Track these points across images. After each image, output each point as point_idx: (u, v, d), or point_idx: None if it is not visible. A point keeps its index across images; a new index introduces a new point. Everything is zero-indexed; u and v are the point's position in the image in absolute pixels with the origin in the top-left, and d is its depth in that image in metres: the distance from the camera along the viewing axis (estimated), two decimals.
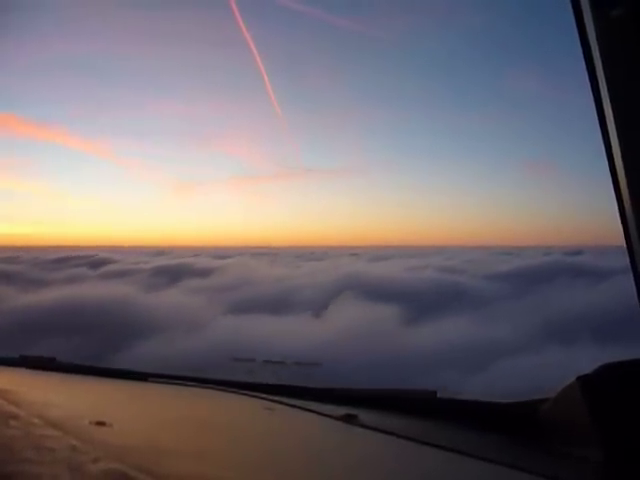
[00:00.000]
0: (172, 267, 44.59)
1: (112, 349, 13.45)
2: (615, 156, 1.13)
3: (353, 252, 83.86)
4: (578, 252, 59.96)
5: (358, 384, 1.94)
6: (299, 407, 1.61)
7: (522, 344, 17.28)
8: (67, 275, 38.92)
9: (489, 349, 16.78)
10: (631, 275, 1.25)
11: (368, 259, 61.15)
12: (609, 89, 1.07)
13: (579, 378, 1.27)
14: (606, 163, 1.16)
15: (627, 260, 1.22)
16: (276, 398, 1.69)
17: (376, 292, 26.61)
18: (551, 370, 11.65)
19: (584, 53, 1.12)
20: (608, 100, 1.08)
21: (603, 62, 1.07)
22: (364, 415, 1.50)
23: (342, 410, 1.53)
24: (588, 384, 1.26)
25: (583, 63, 1.12)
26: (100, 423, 1.00)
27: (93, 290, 29.39)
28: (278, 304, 25.20)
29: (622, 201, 1.15)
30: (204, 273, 39.29)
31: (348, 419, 1.47)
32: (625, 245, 1.20)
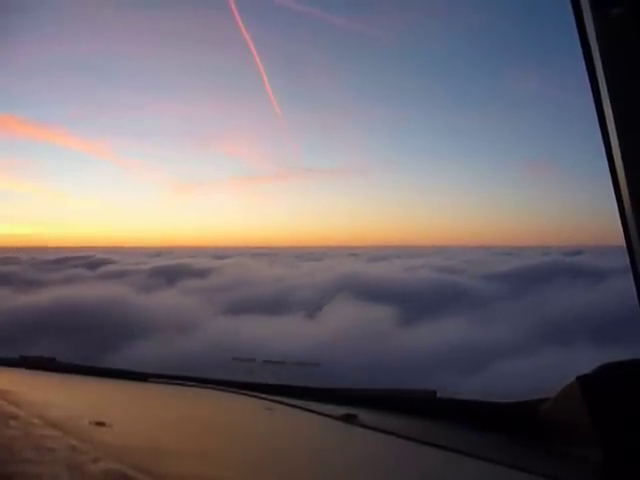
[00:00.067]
0: (170, 268, 44.57)
1: (105, 350, 13.38)
2: (615, 156, 1.13)
3: (353, 252, 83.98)
4: (578, 252, 60.04)
5: (355, 385, 1.94)
6: (299, 407, 1.61)
7: (518, 345, 17.26)
8: (64, 276, 38.90)
9: (485, 350, 16.75)
10: (631, 275, 1.25)
11: (367, 259, 61.23)
12: (609, 89, 1.07)
13: (579, 378, 1.27)
14: (606, 163, 1.16)
15: (627, 260, 1.22)
16: (276, 398, 1.69)
17: (374, 292, 26.64)
18: (548, 372, 11.65)
19: (584, 53, 1.11)
20: (608, 100, 1.08)
21: (603, 62, 1.07)
22: (364, 415, 1.50)
23: (342, 410, 1.52)
24: (588, 384, 1.26)
25: (583, 63, 1.12)
26: (100, 423, 1.00)
27: (89, 291, 29.40)
28: (275, 304, 25.21)
29: (622, 201, 1.15)
30: (202, 273, 39.29)
31: (348, 419, 1.47)
32: (625, 245, 1.20)
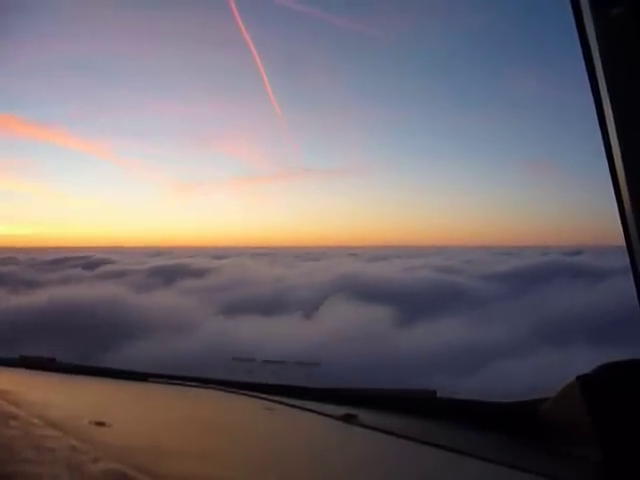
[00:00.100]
0: (168, 268, 44.50)
1: (98, 350, 13.34)
2: (615, 156, 1.13)
3: (352, 252, 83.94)
4: (577, 252, 60.01)
5: (354, 385, 1.94)
6: (299, 407, 1.61)
7: (515, 346, 17.22)
8: (62, 276, 38.88)
9: (482, 351, 16.71)
10: (631, 275, 1.25)
11: (366, 259, 61.18)
12: (609, 89, 1.07)
13: (578, 378, 1.27)
14: (606, 163, 1.16)
15: (627, 260, 1.22)
16: (276, 398, 1.69)
17: (372, 293, 26.60)
18: (546, 373, 11.62)
19: (584, 53, 1.11)
20: (608, 100, 1.08)
21: (603, 62, 1.07)
22: (364, 415, 1.50)
23: (342, 410, 1.52)
24: (587, 384, 1.26)
25: (583, 63, 1.12)
26: (100, 423, 1.00)
27: (85, 291, 29.37)
28: (271, 305, 25.16)
29: (622, 201, 1.15)
30: (199, 274, 39.25)
31: (348, 419, 1.47)
32: (625, 245, 1.20)
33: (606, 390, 1.24)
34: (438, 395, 1.69)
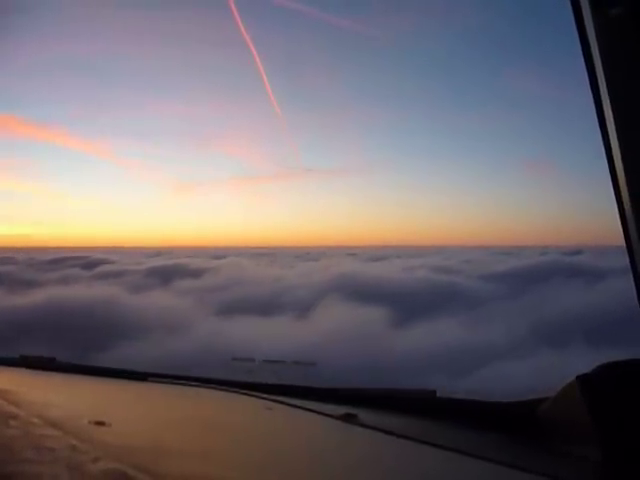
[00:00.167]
0: (166, 268, 44.41)
1: (94, 350, 13.30)
2: (615, 156, 1.13)
3: (352, 252, 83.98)
4: (577, 252, 60.02)
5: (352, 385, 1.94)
6: (299, 407, 1.61)
7: (513, 347, 17.19)
8: (59, 276, 38.83)
9: (479, 352, 16.65)
10: (631, 275, 1.25)
11: (366, 259, 61.19)
12: (609, 88, 1.07)
13: (578, 377, 1.27)
14: (606, 163, 1.16)
15: (627, 260, 1.22)
16: (276, 398, 1.69)
17: (370, 293, 26.56)
18: (545, 374, 11.60)
19: (583, 52, 1.11)
20: (608, 99, 1.08)
21: (603, 61, 1.07)
22: (364, 415, 1.50)
23: (342, 410, 1.53)
24: (587, 383, 1.26)
25: (582, 62, 1.12)
26: (99, 423, 1.00)
27: (82, 291, 29.37)
28: (269, 305, 25.07)
29: (622, 201, 1.15)
30: (197, 274, 39.19)
31: (348, 419, 1.47)
32: (625, 245, 1.20)
33: (606, 390, 1.24)
34: (438, 395, 1.69)
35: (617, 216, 1.18)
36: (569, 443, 1.29)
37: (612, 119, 1.09)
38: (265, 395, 1.72)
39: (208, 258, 58.63)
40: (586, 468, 1.22)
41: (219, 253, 72.18)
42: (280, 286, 33.32)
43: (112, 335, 16.88)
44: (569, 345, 15.89)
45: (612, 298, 19.75)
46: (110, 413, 1.15)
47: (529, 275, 35.16)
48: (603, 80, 1.08)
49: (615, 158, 1.13)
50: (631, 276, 1.25)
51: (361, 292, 26.43)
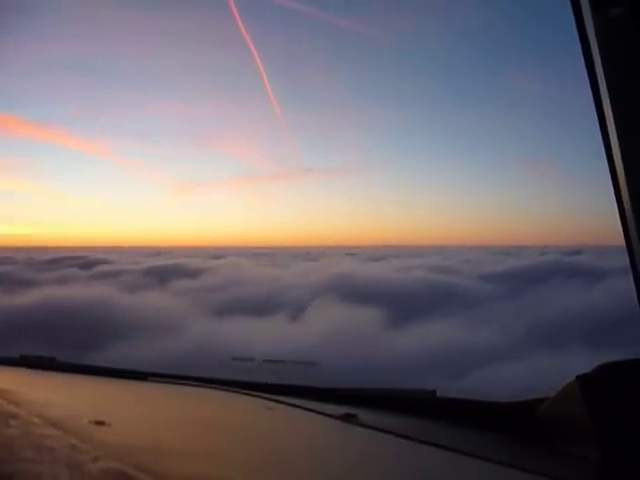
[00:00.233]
0: (164, 268, 44.42)
1: (88, 350, 13.27)
2: (615, 156, 1.13)
3: (351, 252, 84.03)
4: (577, 252, 60.05)
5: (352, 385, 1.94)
6: (299, 407, 1.61)
7: (512, 348, 17.17)
8: (57, 276, 38.82)
9: (476, 353, 16.63)
10: (631, 275, 1.25)
11: (365, 259, 61.20)
12: (609, 88, 1.07)
13: (578, 377, 1.27)
14: (606, 163, 1.16)
15: (627, 260, 1.22)
16: (276, 398, 1.69)
17: (369, 293, 26.55)
18: (542, 376, 11.57)
19: (583, 52, 1.12)
20: (608, 99, 1.08)
21: (603, 61, 1.07)
22: (364, 414, 1.50)
23: (342, 410, 1.53)
24: (587, 383, 1.26)
25: (582, 62, 1.12)
26: (99, 422, 1.00)
27: (78, 290, 29.38)
28: (265, 305, 25.03)
29: (622, 201, 1.16)
30: (194, 274, 39.19)
31: (348, 418, 1.47)
32: (625, 245, 1.20)
33: (606, 390, 1.24)
34: (438, 395, 1.69)
35: (617, 216, 1.18)
36: (569, 443, 1.29)
37: (612, 119, 1.09)
38: (265, 395, 1.73)
39: (207, 258, 58.65)
40: (586, 468, 1.22)
41: (219, 253, 72.17)
42: (279, 286, 33.33)
43: (107, 335, 16.85)
44: (569, 345, 15.89)
45: (612, 298, 19.75)
46: (110, 413, 1.15)
47: (528, 275, 35.17)
48: (603, 80, 1.08)
49: (615, 158, 1.13)
50: (631, 276, 1.25)
51: (360, 292, 26.46)
